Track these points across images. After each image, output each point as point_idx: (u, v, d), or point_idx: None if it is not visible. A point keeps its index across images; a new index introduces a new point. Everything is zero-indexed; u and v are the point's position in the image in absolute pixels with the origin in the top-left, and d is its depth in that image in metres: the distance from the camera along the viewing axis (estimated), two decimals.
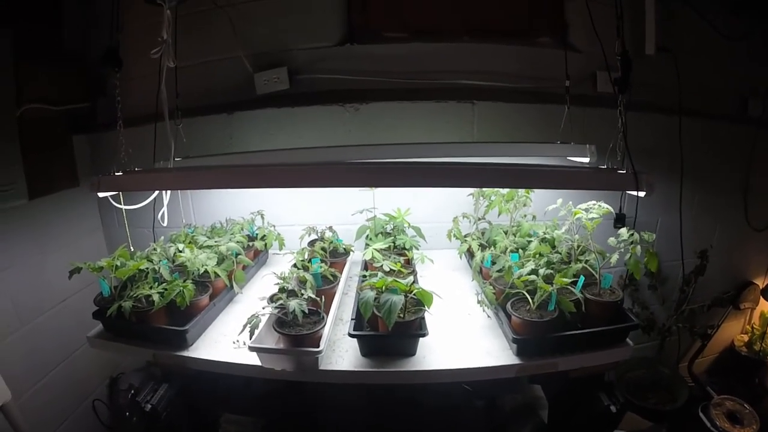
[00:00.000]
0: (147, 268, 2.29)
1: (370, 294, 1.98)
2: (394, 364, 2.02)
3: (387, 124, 2.83)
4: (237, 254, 2.52)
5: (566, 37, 3.09)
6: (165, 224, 2.69)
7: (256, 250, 2.84)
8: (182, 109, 2.51)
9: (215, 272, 2.33)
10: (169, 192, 2.66)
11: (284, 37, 2.85)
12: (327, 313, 2.11)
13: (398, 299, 1.91)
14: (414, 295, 2.03)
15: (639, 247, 2.19)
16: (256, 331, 1.96)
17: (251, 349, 1.92)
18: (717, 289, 3.93)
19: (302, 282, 2.14)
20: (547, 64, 2.98)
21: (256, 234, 2.88)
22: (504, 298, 2.19)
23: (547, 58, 3.02)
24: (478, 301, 2.29)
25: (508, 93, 2.94)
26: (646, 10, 3.08)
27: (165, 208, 2.68)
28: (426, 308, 2.02)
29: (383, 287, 2.01)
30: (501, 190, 2.65)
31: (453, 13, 3.04)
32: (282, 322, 1.99)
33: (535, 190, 2.61)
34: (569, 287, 2.14)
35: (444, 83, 2.88)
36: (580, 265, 2.25)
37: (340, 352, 2.11)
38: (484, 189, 2.70)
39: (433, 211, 3.03)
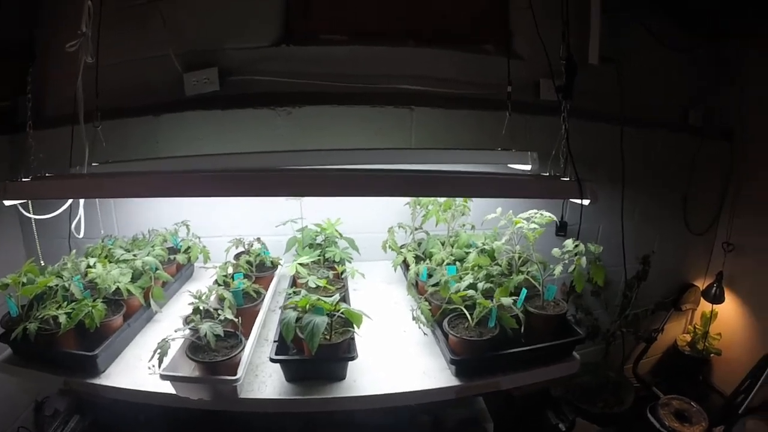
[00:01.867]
0: (56, 286, 1.92)
1: (292, 315, 1.66)
2: (321, 390, 1.70)
3: (320, 129, 2.51)
4: (155, 269, 2.15)
5: (510, 45, 2.81)
6: (80, 235, 2.29)
7: (178, 264, 2.43)
8: (105, 109, 2.10)
9: (128, 290, 1.96)
10: (82, 200, 2.27)
11: (217, 36, 2.49)
12: (247, 334, 1.79)
13: (321, 321, 1.60)
14: (341, 314, 1.71)
15: (584, 258, 1.92)
16: (168, 357, 1.63)
17: (162, 377, 1.60)
18: (659, 293, 3.76)
19: (222, 300, 1.81)
20: (490, 71, 2.69)
21: (180, 246, 2.50)
22: (441, 315, 1.89)
23: (490, 66, 2.74)
24: (414, 318, 1.98)
25: (448, 99, 2.65)
26: (591, 20, 2.85)
27: (80, 218, 2.28)
28: (355, 329, 1.70)
29: (306, 307, 1.68)
30: (439, 198, 2.35)
31: (396, 18, 2.73)
32: (196, 347, 1.66)
33: (474, 198, 2.32)
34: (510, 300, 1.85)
35: (383, 88, 2.57)
36: (521, 277, 1.96)
37: (263, 377, 1.78)
38: (420, 198, 2.40)
39: (367, 221, 2.70)
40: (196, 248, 2.41)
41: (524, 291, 1.91)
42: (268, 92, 2.50)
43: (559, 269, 1.91)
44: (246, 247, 2.33)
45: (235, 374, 1.60)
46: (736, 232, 3.73)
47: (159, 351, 1.60)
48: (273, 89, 2.50)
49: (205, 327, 1.63)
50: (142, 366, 1.80)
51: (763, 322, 3.63)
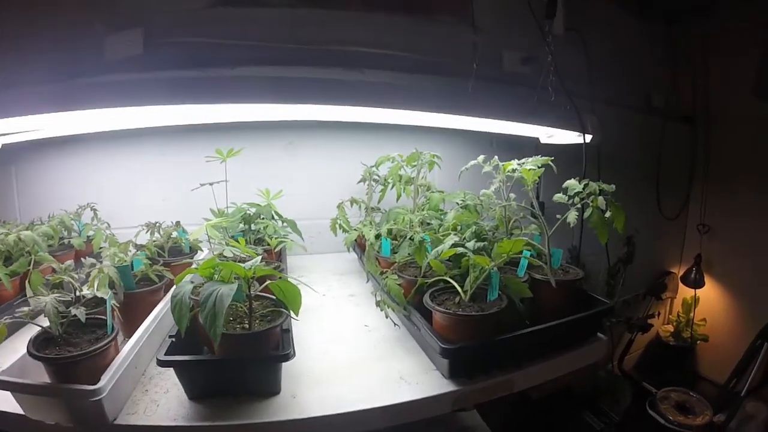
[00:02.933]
0: None
1: (188, 288, 0.87)
2: (241, 412, 0.92)
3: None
4: (38, 251, 1.33)
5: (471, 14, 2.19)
6: None
7: (77, 253, 1.60)
8: None
9: None
10: None
11: None
12: (134, 329, 1.02)
13: (228, 290, 0.82)
14: (264, 290, 0.93)
15: (602, 198, 1.19)
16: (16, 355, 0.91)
17: None
18: (637, 282, 3.07)
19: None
20: (448, 40, 2.09)
21: (82, 232, 1.68)
22: (416, 294, 1.12)
23: (446, 34, 2.11)
24: (377, 303, 1.19)
25: (403, 64, 1.97)
26: None
27: None
28: (290, 312, 0.93)
29: (211, 274, 0.90)
30: (401, 170, 1.60)
31: None
32: (47, 339, 0.90)
33: (440, 163, 1.58)
34: (511, 268, 1.13)
35: (329, 50, 1.86)
36: (525, 241, 1.23)
37: (156, 393, 0.99)
38: (377, 168, 1.65)
39: (313, 204, 1.95)
40: (100, 234, 1.58)
41: (526, 253, 1.17)
42: (200, 56, 1.77)
43: (573, 215, 1.18)
44: (161, 233, 1.51)
45: (96, 381, 0.83)
46: (710, 214, 3.15)
47: None
48: (205, 53, 1.77)
49: (47, 300, 0.88)
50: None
51: (746, 302, 3.07)
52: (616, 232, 2.74)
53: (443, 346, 0.95)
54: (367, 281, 1.49)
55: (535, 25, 1.85)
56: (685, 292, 3.22)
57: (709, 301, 3.18)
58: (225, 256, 1.02)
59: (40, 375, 0.90)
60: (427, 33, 2.11)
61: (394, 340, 1.20)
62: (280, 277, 0.91)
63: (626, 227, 2.69)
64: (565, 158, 1.66)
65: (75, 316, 0.89)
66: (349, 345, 1.19)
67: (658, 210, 3.03)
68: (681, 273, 3.23)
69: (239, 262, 0.93)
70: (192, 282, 0.91)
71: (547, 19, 1.89)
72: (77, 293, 0.99)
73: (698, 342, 3.13)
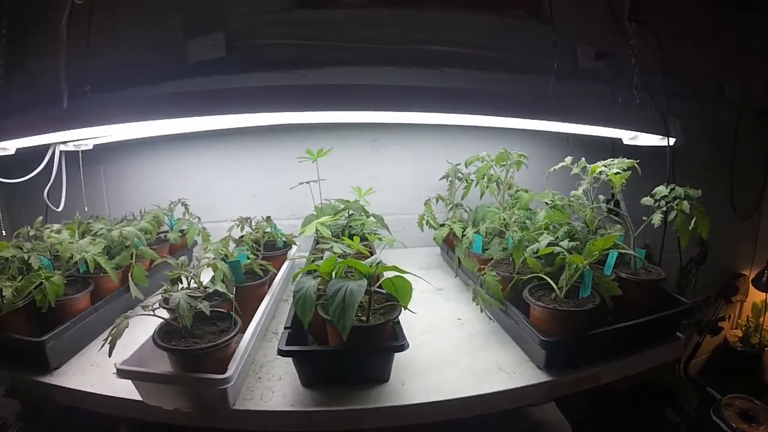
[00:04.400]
0: (13, 257, 1.27)
1: (311, 283, 0.99)
2: (354, 398, 1.02)
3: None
4: (138, 245, 1.47)
5: (541, 11, 2.22)
6: (60, 208, 1.68)
7: (171, 246, 1.76)
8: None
9: (95, 261, 1.29)
10: (58, 165, 1.63)
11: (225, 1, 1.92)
12: (248, 322, 1.14)
13: (358, 287, 0.93)
14: (380, 287, 1.04)
15: (686, 203, 1.24)
16: (136, 346, 1.02)
17: (120, 374, 0.95)
18: (706, 284, 3.00)
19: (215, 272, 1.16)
20: (522, 35, 2.15)
21: (174, 226, 1.83)
22: (511, 290, 1.21)
23: (521, 30, 2.17)
24: (474, 298, 1.28)
25: (481, 62, 2.04)
26: None
27: (63, 188, 1.64)
28: (402, 305, 1.03)
29: (332, 272, 1.02)
30: (497, 165, 1.67)
31: None
32: (171, 331, 1.01)
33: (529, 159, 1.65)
34: (598, 267, 1.20)
35: (407, 49, 1.96)
36: (617, 236, 1.30)
37: (270, 380, 1.10)
38: (460, 167, 1.73)
39: (396, 200, 2.05)
40: (193, 228, 1.73)
41: (613, 254, 1.24)
42: (282, 58, 1.91)
43: (658, 217, 1.25)
44: (253, 227, 1.64)
45: (225, 371, 0.94)
46: None
47: (113, 332, 0.95)
48: (285, 54, 1.90)
49: (179, 296, 0.98)
50: (109, 365, 1.03)
51: None
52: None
53: (543, 338, 1.04)
54: (455, 276, 1.58)
55: (617, 25, 1.87)
56: (755, 295, 3.14)
57: None
58: (333, 252, 1.13)
59: (157, 363, 1.00)
60: (504, 30, 2.16)
61: (487, 334, 1.29)
62: (397, 272, 1.01)
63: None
64: (645, 157, 1.69)
65: (199, 309, 0.99)
66: (445, 337, 1.29)
67: (731, 209, 2.97)
68: (752, 275, 3.16)
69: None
70: (319, 277, 1.02)
71: (630, 22, 1.90)
72: (200, 287, 1.12)
73: (767, 348, 3.06)
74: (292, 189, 1.55)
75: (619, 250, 1.25)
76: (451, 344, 1.25)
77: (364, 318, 1.03)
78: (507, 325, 1.27)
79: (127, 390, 1.00)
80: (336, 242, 1.18)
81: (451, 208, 1.76)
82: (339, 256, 1.10)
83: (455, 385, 1.06)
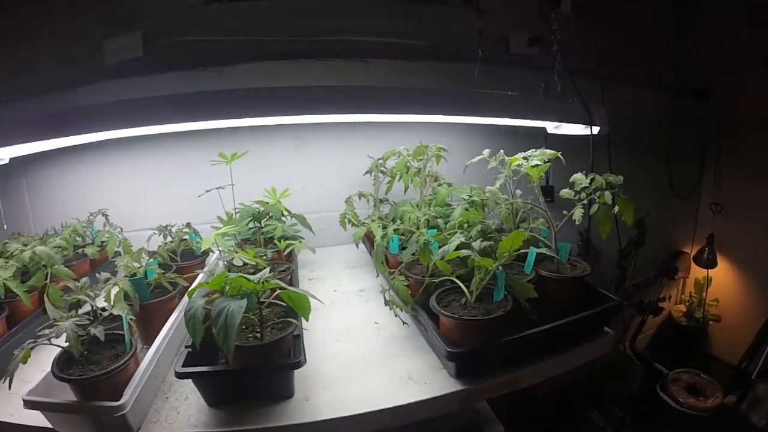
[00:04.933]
0: None
1: (199, 303, 0.92)
2: (257, 417, 0.97)
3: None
4: (53, 264, 1.36)
5: None
6: None
7: (92, 261, 1.66)
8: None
9: (5, 286, 1.20)
10: None
11: None
12: (151, 338, 1.08)
13: (238, 307, 0.86)
14: (279, 300, 0.99)
15: (608, 193, 1.21)
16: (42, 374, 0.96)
17: (26, 405, 0.90)
18: (647, 263, 3.06)
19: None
20: (453, 23, 2.10)
21: (95, 239, 1.72)
22: (423, 293, 1.16)
23: (452, 18, 2.10)
24: (386, 302, 1.22)
25: (405, 52, 1.98)
26: None
27: None
28: (296, 321, 0.97)
29: (225, 289, 0.94)
30: (413, 160, 1.61)
31: None
32: (70, 359, 0.96)
33: (448, 153, 1.60)
34: (518, 264, 1.15)
35: (330, 41, 1.88)
36: (525, 234, 1.25)
37: (177, 400, 1.04)
38: (384, 162, 1.67)
39: (320, 197, 1.99)
40: (114, 240, 1.62)
41: (533, 250, 1.20)
42: (199, 55, 1.80)
43: (579, 212, 1.20)
44: (173, 236, 1.56)
45: (119, 398, 0.89)
46: (723, 193, 3.12)
47: (11, 365, 0.90)
48: (206, 51, 1.80)
49: (65, 325, 0.92)
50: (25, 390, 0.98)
51: (759, 283, 3.05)
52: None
53: (449, 349, 0.99)
54: (377, 276, 1.53)
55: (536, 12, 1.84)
56: (697, 272, 3.21)
57: (721, 281, 3.17)
58: (235, 265, 1.05)
59: (66, 390, 0.94)
60: (431, 18, 2.10)
61: (403, 339, 1.24)
62: (288, 288, 0.94)
63: (639, 209, 2.75)
64: (579, 143, 1.67)
65: (93, 335, 0.94)
66: (360, 343, 1.24)
67: (670, 189, 3.02)
68: (694, 253, 3.24)
69: (250, 269, 0.97)
70: (203, 296, 0.95)
71: (554, 7, 1.87)
72: (95, 311, 1.05)
73: (710, 322, 3.14)
74: (200, 197, 1.45)
75: (537, 251, 1.21)
76: (364, 352, 1.19)
77: (258, 334, 0.96)
78: (422, 330, 1.22)
79: (30, 418, 0.95)
80: (237, 253, 1.10)
81: (374, 205, 1.69)
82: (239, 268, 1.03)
83: (363, 397, 1.01)
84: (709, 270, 3.12)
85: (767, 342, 2.69)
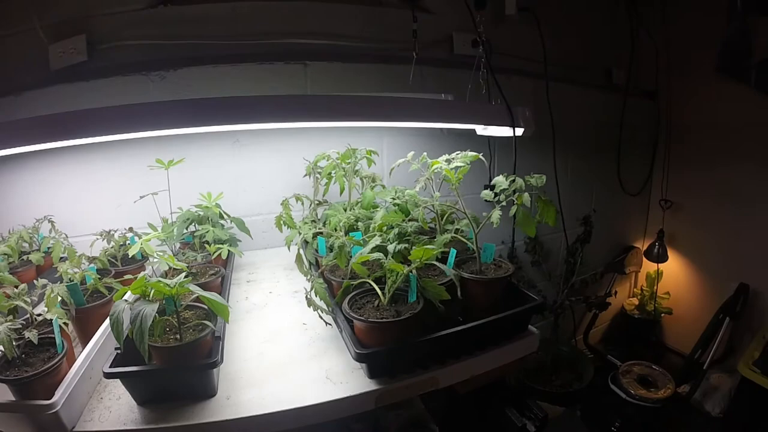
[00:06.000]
0: None
1: (122, 306, 0.95)
2: (181, 415, 1.02)
3: (201, 93, 1.81)
4: None
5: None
6: None
7: (38, 268, 1.66)
8: None
9: None
10: None
11: (87, 1, 1.79)
12: (87, 340, 1.13)
13: (150, 310, 0.92)
14: (200, 303, 1.04)
15: (527, 195, 1.26)
16: None
17: None
18: (599, 258, 3.17)
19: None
20: (395, 25, 2.13)
21: (42, 245, 1.72)
22: (343, 294, 1.20)
23: (394, 19, 2.14)
24: (309, 303, 1.24)
25: (347, 54, 2.03)
26: None
27: None
28: (211, 324, 1.02)
29: (143, 292, 1.00)
30: (342, 163, 1.65)
31: None
32: (8, 361, 1.01)
33: (384, 153, 1.65)
34: (437, 265, 1.19)
35: (271, 44, 1.92)
36: (447, 236, 1.31)
37: (110, 399, 1.09)
38: (320, 164, 1.70)
39: (265, 200, 2.02)
40: (59, 246, 1.63)
41: (453, 252, 1.26)
42: (142, 59, 1.81)
43: (497, 214, 1.24)
44: (115, 241, 1.59)
45: (51, 396, 0.94)
46: (672, 189, 3.23)
47: None
48: (149, 55, 1.82)
49: (1, 329, 0.98)
50: None
51: (709, 276, 3.21)
52: (576, 211, 2.88)
53: (357, 351, 1.04)
54: (307, 278, 1.57)
55: (470, 14, 1.89)
56: (649, 266, 3.33)
57: (672, 275, 3.30)
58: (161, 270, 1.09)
59: (7, 391, 0.99)
60: (372, 20, 2.14)
61: (328, 339, 1.29)
62: (202, 293, 0.98)
63: (588, 206, 2.82)
64: (525, 142, 1.69)
65: (27, 338, 1.00)
66: (285, 344, 1.28)
67: (620, 186, 3.12)
68: (645, 248, 3.35)
69: (183, 272, 1.01)
70: (127, 301, 0.99)
71: (478, 10, 1.93)
72: (31, 316, 1.09)
73: (662, 315, 3.26)
74: (135, 202, 1.48)
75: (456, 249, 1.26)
76: (289, 352, 1.24)
77: (178, 335, 1.00)
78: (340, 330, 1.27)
79: None
80: (161, 258, 1.14)
81: (311, 207, 1.73)
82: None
83: (281, 396, 1.06)
84: (660, 264, 3.24)
85: (718, 332, 2.81)
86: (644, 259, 3.36)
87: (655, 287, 3.27)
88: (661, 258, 3.20)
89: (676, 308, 3.27)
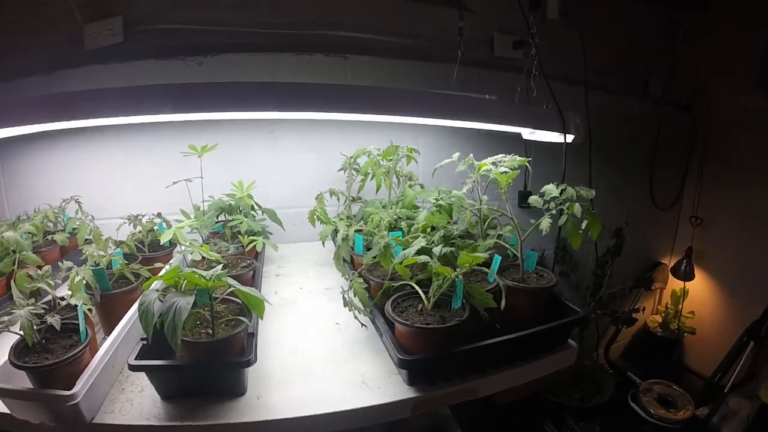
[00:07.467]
0: None
1: (152, 297, 0.89)
2: (208, 413, 0.96)
3: (236, 80, 1.73)
4: (21, 249, 1.33)
5: None
6: None
7: (62, 249, 1.62)
8: None
9: None
10: None
11: None
12: (113, 329, 1.06)
13: (186, 303, 0.85)
14: (235, 297, 0.99)
15: (577, 205, 1.19)
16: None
17: None
18: (626, 273, 3.08)
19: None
20: (436, 23, 2.07)
21: (67, 226, 1.66)
22: (382, 296, 1.14)
23: (437, 17, 2.07)
24: (345, 303, 1.18)
25: (388, 49, 1.96)
26: None
27: None
28: (246, 320, 0.95)
29: (179, 285, 0.94)
30: (383, 160, 1.59)
31: None
32: (27, 347, 0.94)
33: (420, 153, 1.59)
34: (483, 270, 1.13)
35: (311, 35, 1.85)
36: (490, 242, 1.24)
37: (132, 392, 1.03)
38: (357, 160, 1.64)
39: (293, 192, 1.96)
40: (84, 228, 1.58)
41: (498, 258, 1.19)
42: (180, 44, 1.77)
43: (546, 222, 1.17)
44: (143, 226, 1.53)
45: (71, 387, 0.88)
46: (703, 206, 3.12)
47: None
48: (187, 40, 1.77)
49: (21, 313, 0.91)
50: None
51: (735, 297, 3.08)
52: (607, 223, 2.81)
53: (400, 357, 0.98)
54: (342, 275, 1.52)
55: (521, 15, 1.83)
56: (674, 283, 3.22)
57: (698, 294, 3.19)
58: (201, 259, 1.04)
59: (25, 378, 0.93)
60: (415, 16, 2.08)
61: (362, 341, 1.23)
62: (239, 287, 0.92)
63: (618, 219, 2.74)
64: (560, 149, 1.64)
65: (49, 324, 0.93)
66: (318, 343, 1.22)
67: (651, 200, 3.03)
68: (672, 264, 3.25)
69: (214, 263, 0.95)
70: (158, 290, 0.93)
71: (532, 10, 1.86)
72: (54, 300, 1.03)
73: (685, 334, 3.16)
74: (167, 188, 1.42)
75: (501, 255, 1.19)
76: (322, 352, 1.18)
77: (210, 330, 0.95)
78: (379, 334, 1.21)
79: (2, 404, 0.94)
80: (194, 247, 1.08)
81: (345, 203, 1.67)
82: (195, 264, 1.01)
83: (315, 399, 1.00)
84: (686, 282, 3.13)
85: (741, 356, 2.71)
86: (670, 276, 3.26)
87: (680, 306, 3.16)
88: (688, 276, 3.10)
89: (699, 328, 3.16)
